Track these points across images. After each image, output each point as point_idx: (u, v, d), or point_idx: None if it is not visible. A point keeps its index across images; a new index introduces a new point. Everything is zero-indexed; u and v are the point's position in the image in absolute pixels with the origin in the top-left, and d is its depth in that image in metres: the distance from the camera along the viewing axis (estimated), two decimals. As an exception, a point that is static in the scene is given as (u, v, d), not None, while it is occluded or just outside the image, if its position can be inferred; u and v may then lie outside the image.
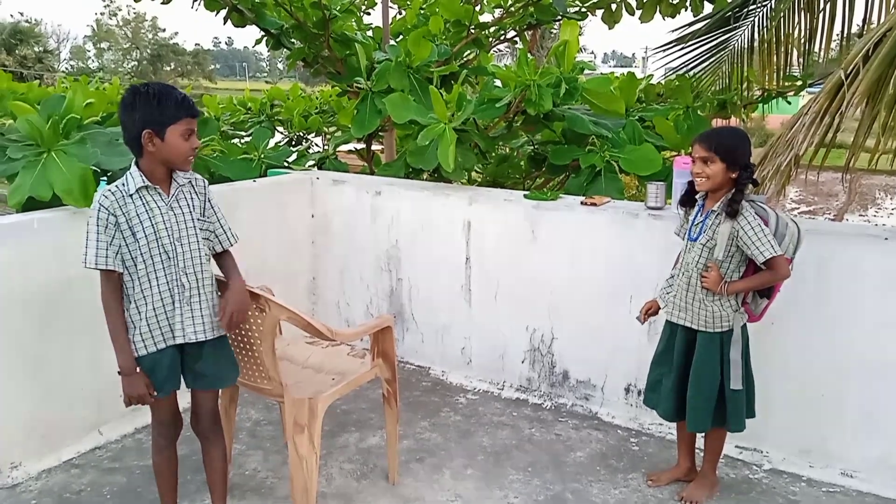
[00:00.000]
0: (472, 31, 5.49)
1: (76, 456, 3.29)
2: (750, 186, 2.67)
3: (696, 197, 2.81)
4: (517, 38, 6.65)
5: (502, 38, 6.55)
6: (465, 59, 6.03)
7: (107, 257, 2.27)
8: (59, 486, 3.07)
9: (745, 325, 2.77)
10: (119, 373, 2.33)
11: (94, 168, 3.39)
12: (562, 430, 3.56)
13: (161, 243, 2.33)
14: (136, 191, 2.29)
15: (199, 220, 2.45)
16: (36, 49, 43.33)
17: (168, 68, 51.90)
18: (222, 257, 2.57)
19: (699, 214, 2.77)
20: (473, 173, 6.16)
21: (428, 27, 5.07)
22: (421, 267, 4.19)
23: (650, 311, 3.03)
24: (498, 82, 4.53)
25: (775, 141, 3.25)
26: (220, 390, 2.71)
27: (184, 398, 2.55)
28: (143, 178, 2.30)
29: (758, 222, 2.59)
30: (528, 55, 4.31)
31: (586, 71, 4.49)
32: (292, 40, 5.80)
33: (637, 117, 4.69)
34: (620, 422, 3.60)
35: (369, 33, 6.30)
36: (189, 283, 2.39)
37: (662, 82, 6.63)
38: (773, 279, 2.66)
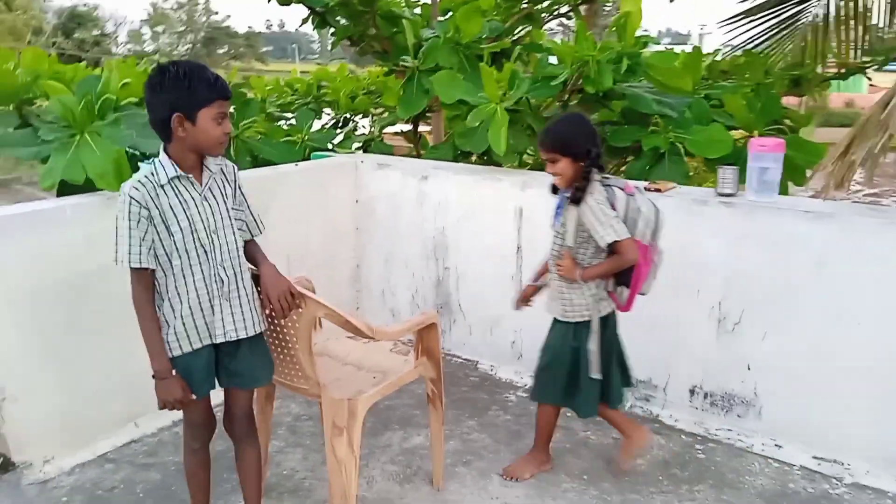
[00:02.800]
0: (525, 5, 5.21)
1: (111, 450, 3.18)
2: (596, 171, 2.60)
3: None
4: (571, 14, 6.33)
5: (556, 13, 6.24)
6: (517, 35, 5.74)
7: (140, 254, 2.10)
8: (92, 482, 2.96)
9: (612, 313, 2.75)
10: (153, 376, 2.18)
11: (130, 151, 3.27)
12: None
13: (197, 236, 2.16)
14: (169, 181, 2.12)
15: (233, 209, 2.27)
16: (94, 33, 44.18)
17: (221, 51, 52.47)
18: (248, 246, 2.39)
19: (559, 203, 2.73)
20: (524, 156, 5.89)
21: (478, 2, 4.80)
22: (469, 255, 3.96)
23: (527, 296, 2.99)
24: (553, 59, 4.24)
25: (864, 122, 2.91)
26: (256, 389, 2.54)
27: (216, 396, 2.38)
28: (175, 166, 2.12)
29: (600, 207, 2.54)
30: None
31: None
32: (338, 18, 5.59)
33: (703, 96, 4.35)
34: (684, 426, 3.33)
35: (417, 10, 6.05)
36: (227, 278, 2.22)
37: (728, 59, 6.24)
38: (620, 263, 2.60)
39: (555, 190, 2.76)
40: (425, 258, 4.12)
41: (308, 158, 4.44)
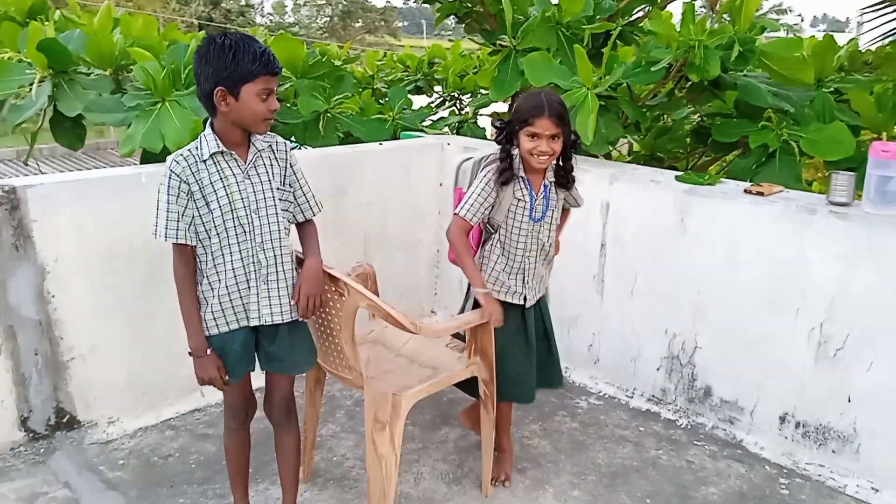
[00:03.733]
0: (643, -18, 4.84)
1: (174, 416, 3.23)
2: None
3: (521, 175, 2.48)
4: (698, -6, 5.86)
5: (680, -7, 5.79)
6: (635, 15, 5.37)
7: (177, 230, 2.06)
8: (150, 447, 3.01)
9: None
10: (189, 353, 2.15)
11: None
12: (695, 455, 3.03)
13: (236, 215, 2.09)
14: (210, 156, 2.06)
15: (278, 189, 2.18)
16: (241, 3, 45.98)
17: (357, 24, 53.38)
18: (303, 228, 2.30)
19: (532, 193, 2.49)
20: (632, 143, 5.54)
21: (590, -21, 4.50)
22: (551, 250, 3.73)
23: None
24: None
25: None
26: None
27: (258, 377, 2.34)
28: (218, 141, 2.06)
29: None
30: (710, 11, 3.67)
31: (769, 32, 3.74)
32: (444, -7, 5.42)
33: (831, 89, 3.88)
34: (770, 455, 3.01)
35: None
36: (266, 260, 2.15)
37: (873, 49, 5.60)
38: (567, 221, 2.76)
39: (506, 182, 2.46)
40: (507, 248, 3.93)
41: (397, 138, 4.34)
